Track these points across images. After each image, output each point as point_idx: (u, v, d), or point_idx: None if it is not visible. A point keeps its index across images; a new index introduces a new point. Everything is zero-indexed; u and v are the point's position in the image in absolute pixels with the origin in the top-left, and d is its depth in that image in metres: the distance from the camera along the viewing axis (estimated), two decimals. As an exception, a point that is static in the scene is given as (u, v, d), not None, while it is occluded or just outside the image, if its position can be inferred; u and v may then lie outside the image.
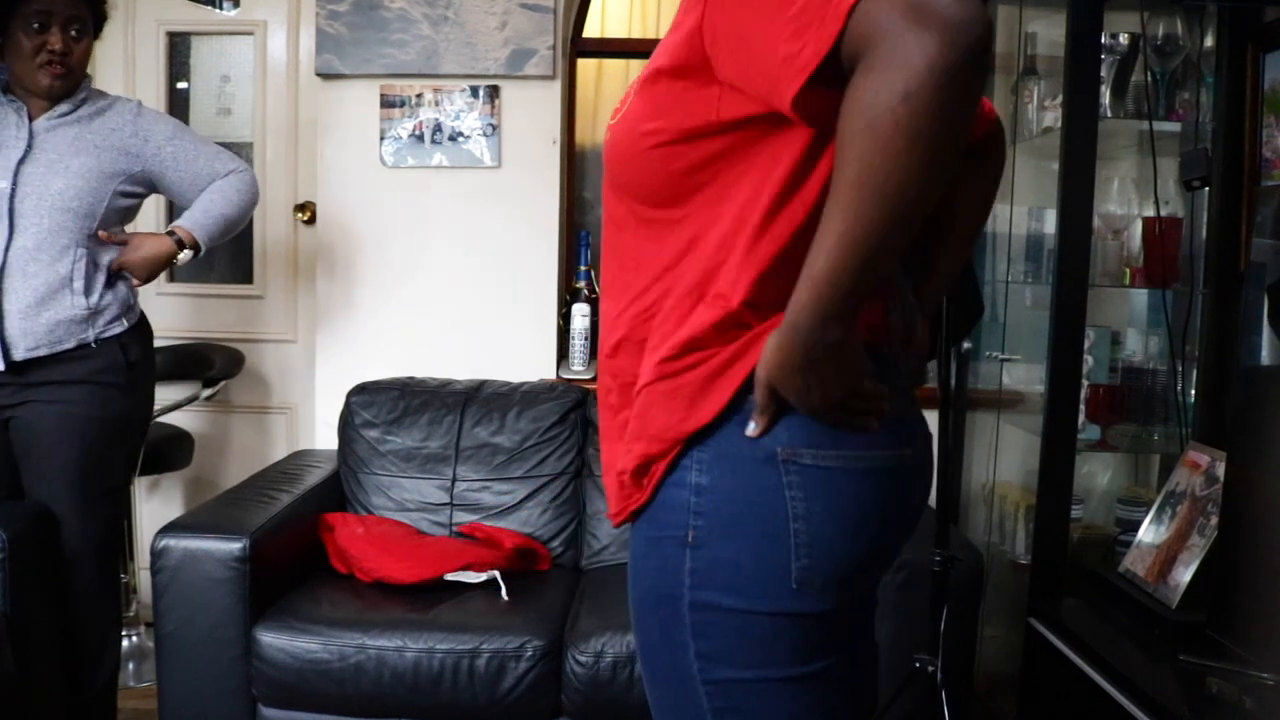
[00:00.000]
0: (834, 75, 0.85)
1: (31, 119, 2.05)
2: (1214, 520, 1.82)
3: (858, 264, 0.86)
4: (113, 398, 2.09)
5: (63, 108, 2.06)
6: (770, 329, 0.95)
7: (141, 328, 2.19)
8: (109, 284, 2.10)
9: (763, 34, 0.89)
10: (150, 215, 3.04)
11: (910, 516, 1.07)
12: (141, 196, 2.19)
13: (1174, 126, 2.18)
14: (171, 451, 2.80)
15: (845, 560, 0.99)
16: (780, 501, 0.96)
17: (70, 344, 2.03)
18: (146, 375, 2.20)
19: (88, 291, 2.04)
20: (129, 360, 2.11)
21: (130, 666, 2.75)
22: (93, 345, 2.06)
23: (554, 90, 2.78)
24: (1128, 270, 2.22)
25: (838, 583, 0.99)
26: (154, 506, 3.05)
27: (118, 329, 2.10)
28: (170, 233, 2.17)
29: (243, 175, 2.23)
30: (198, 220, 2.17)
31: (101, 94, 2.15)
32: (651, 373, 1.02)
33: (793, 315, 0.91)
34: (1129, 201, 2.25)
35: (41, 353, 2.01)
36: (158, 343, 2.85)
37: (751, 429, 0.96)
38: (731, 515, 0.98)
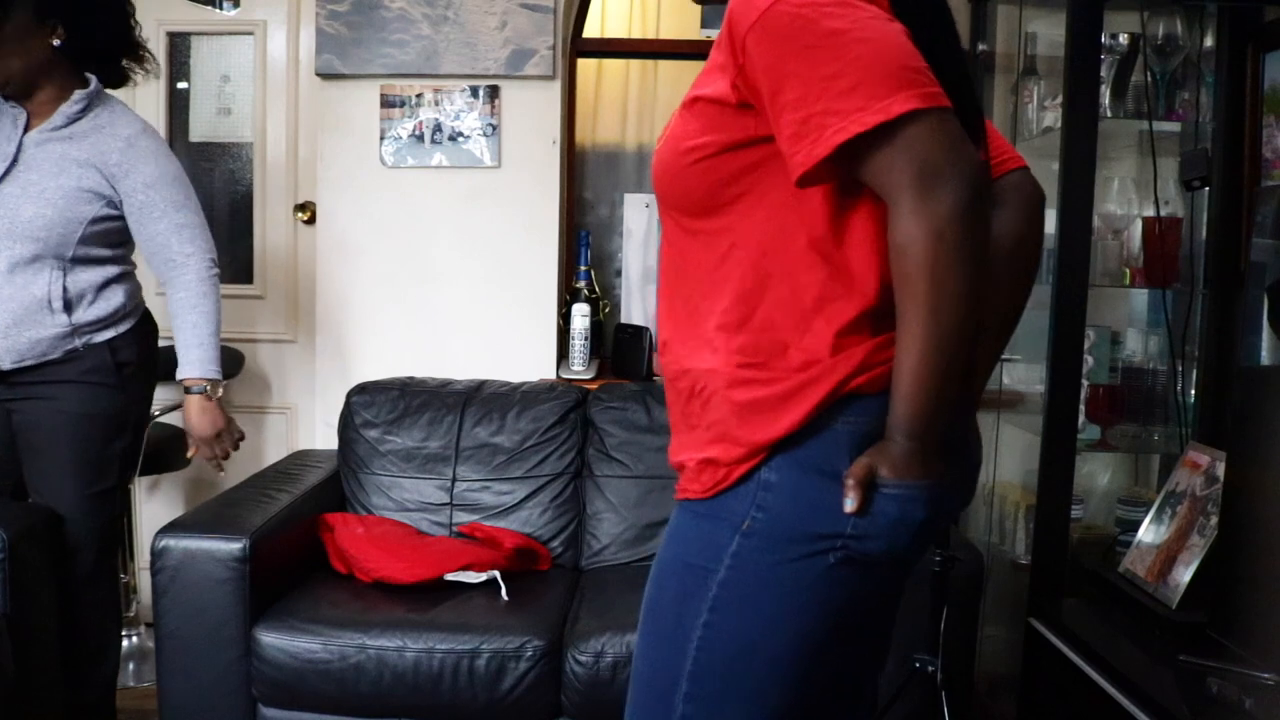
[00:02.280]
0: (834, 171, 1.00)
1: (27, 129, 2.02)
2: (1214, 520, 1.82)
3: (939, 374, 0.99)
4: (101, 395, 2.09)
5: (58, 120, 2.02)
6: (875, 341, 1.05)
7: (139, 330, 2.18)
8: (100, 294, 2.07)
9: (779, 115, 1.01)
10: (150, 215, 3.04)
11: (942, 527, 1.18)
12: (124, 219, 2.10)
13: (1174, 126, 2.18)
14: (171, 451, 2.79)
15: (880, 560, 1.07)
16: (839, 510, 1.03)
17: (57, 354, 2.04)
18: (141, 375, 2.18)
19: (69, 309, 2.02)
20: (118, 361, 2.10)
21: (130, 666, 2.75)
22: (80, 350, 2.05)
23: (554, 90, 2.78)
24: (1128, 270, 2.22)
25: (861, 586, 1.09)
26: (154, 506, 3.05)
27: (107, 335, 2.09)
28: (188, 389, 2.15)
29: (199, 272, 2.12)
30: (200, 359, 2.14)
31: (110, 104, 2.08)
32: (724, 378, 1.09)
33: (902, 426, 1.02)
34: (1129, 201, 2.25)
35: (28, 363, 2.02)
36: (159, 342, 2.86)
37: (850, 505, 1.03)
38: (793, 515, 1.05)
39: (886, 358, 1.04)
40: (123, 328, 2.13)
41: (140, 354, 2.17)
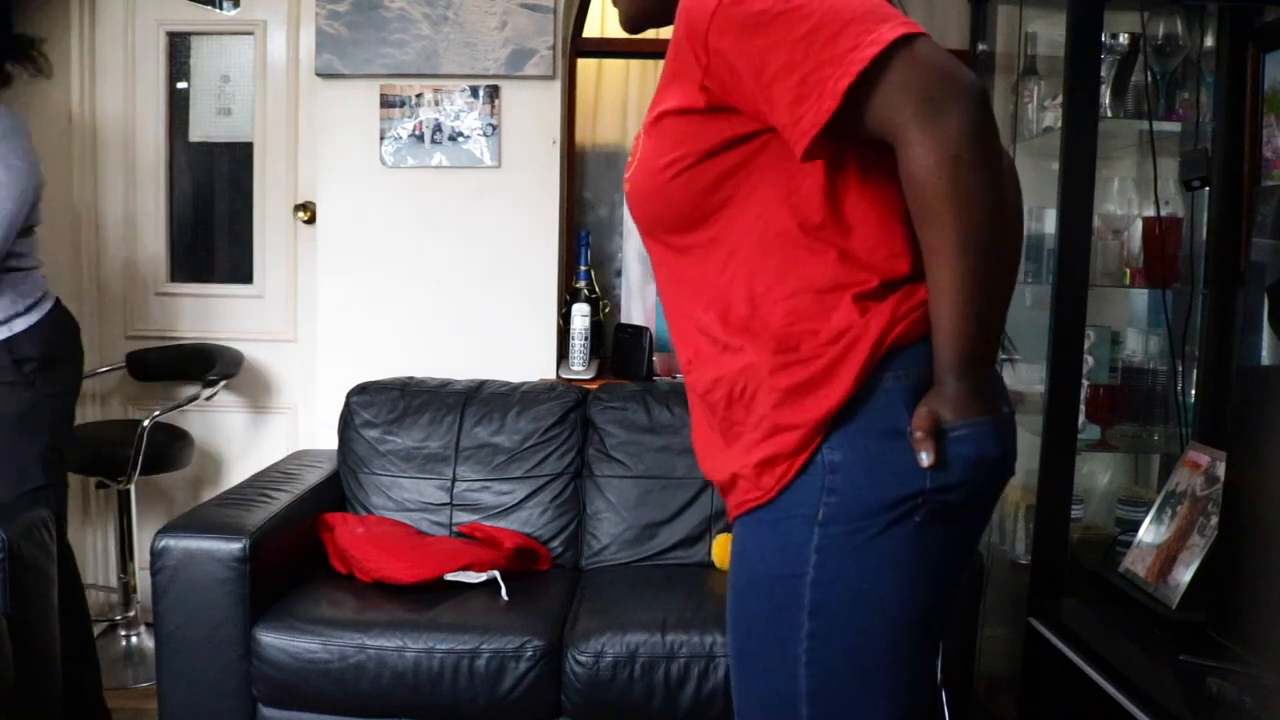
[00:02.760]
0: (840, 128, 0.96)
1: None
2: (1214, 520, 1.82)
3: (979, 305, 0.96)
4: (2, 394, 2.08)
5: None
6: (896, 295, 1.02)
7: (44, 325, 2.14)
8: None
9: (769, 89, 0.97)
10: (150, 218, 3.04)
11: (1003, 483, 1.10)
12: None
13: (1174, 126, 2.18)
14: (171, 451, 2.80)
15: (956, 535, 1.05)
16: (914, 470, 0.99)
17: None
18: (47, 372, 2.15)
19: None
20: (16, 358, 2.08)
21: (130, 666, 2.75)
22: None
23: (554, 90, 2.78)
24: (1128, 270, 2.22)
25: (952, 537, 1.05)
26: (154, 506, 3.05)
27: (2, 335, 2.07)
28: None
29: None
30: None
31: None
32: (765, 367, 1.04)
33: (952, 367, 0.98)
34: (1129, 201, 2.25)
35: None
36: (158, 342, 2.87)
37: (927, 460, 0.99)
38: (867, 487, 1.01)
39: (917, 302, 1.02)
40: (19, 326, 2.10)
41: (45, 350, 2.14)
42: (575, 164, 3.05)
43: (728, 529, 2.46)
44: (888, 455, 1.00)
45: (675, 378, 2.88)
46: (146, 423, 2.67)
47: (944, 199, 0.93)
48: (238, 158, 3.06)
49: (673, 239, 1.11)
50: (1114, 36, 2.13)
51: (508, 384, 2.70)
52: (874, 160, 1.02)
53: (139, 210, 3.04)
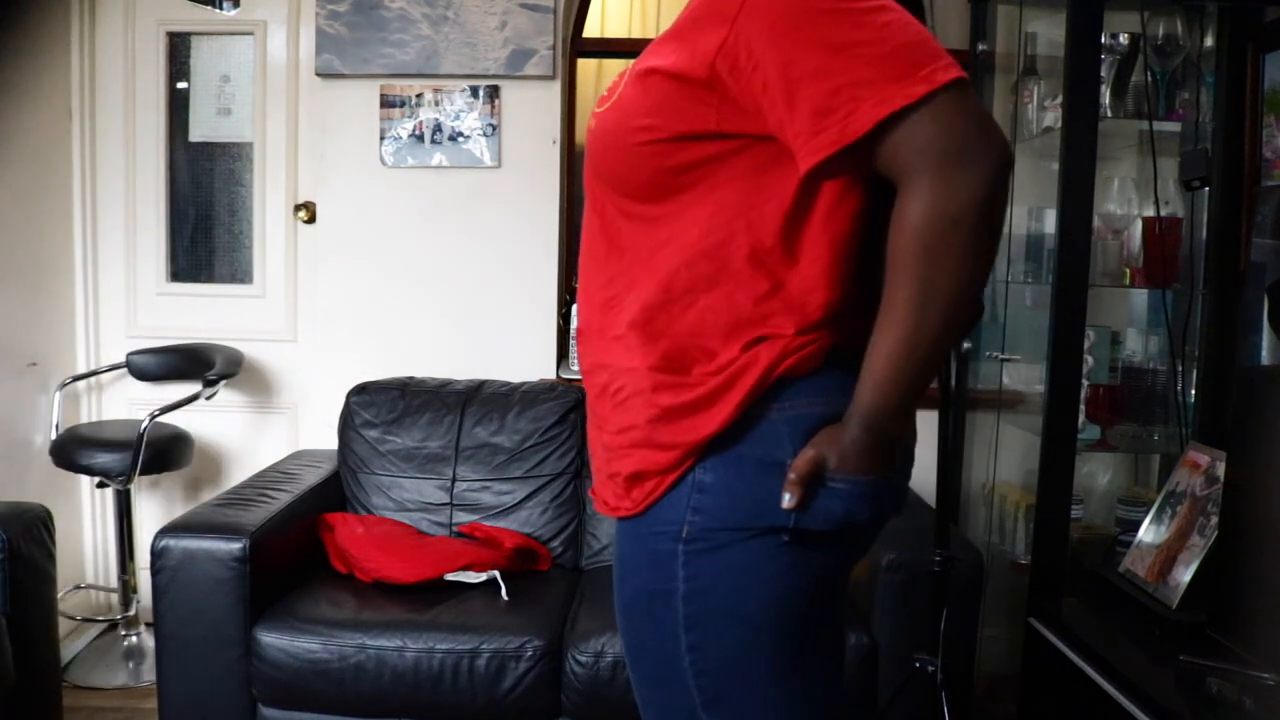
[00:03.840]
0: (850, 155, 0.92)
1: None
2: (1214, 520, 1.82)
3: (918, 366, 0.94)
4: None
5: None
6: (796, 340, 0.99)
7: None
8: None
9: (794, 88, 0.91)
10: (150, 218, 3.04)
11: (878, 529, 1.11)
12: None
13: (1174, 126, 2.18)
14: (171, 451, 2.80)
15: (824, 562, 1.04)
16: (782, 513, 0.98)
17: None
18: None
19: None
20: None
21: (130, 666, 2.75)
22: None
23: (554, 90, 2.79)
24: (1128, 270, 2.22)
25: (817, 578, 1.04)
26: (154, 506, 3.05)
27: None
28: None
29: None
30: None
31: None
32: (647, 379, 1.02)
33: (865, 415, 0.96)
34: (1129, 201, 2.25)
35: None
36: (158, 342, 2.87)
37: (788, 501, 0.97)
38: (730, 514, 1.00)
39: (812, 339, 0.99)
40: None
41: None
42: (575, 164, 3.05)
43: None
44: (757, 485, 0.99)
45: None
46: (146, 423, 2.67)
47: (928, 256, 0.90)
48: (238, 158, 3.06)
49: (620, 200, 1.06)
50: (1114, 36, 2.12)
51: (508, 384, 2.70)
52: (848, 197, 0.97)
53: (139, 210, 3.04)
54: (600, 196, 1.09)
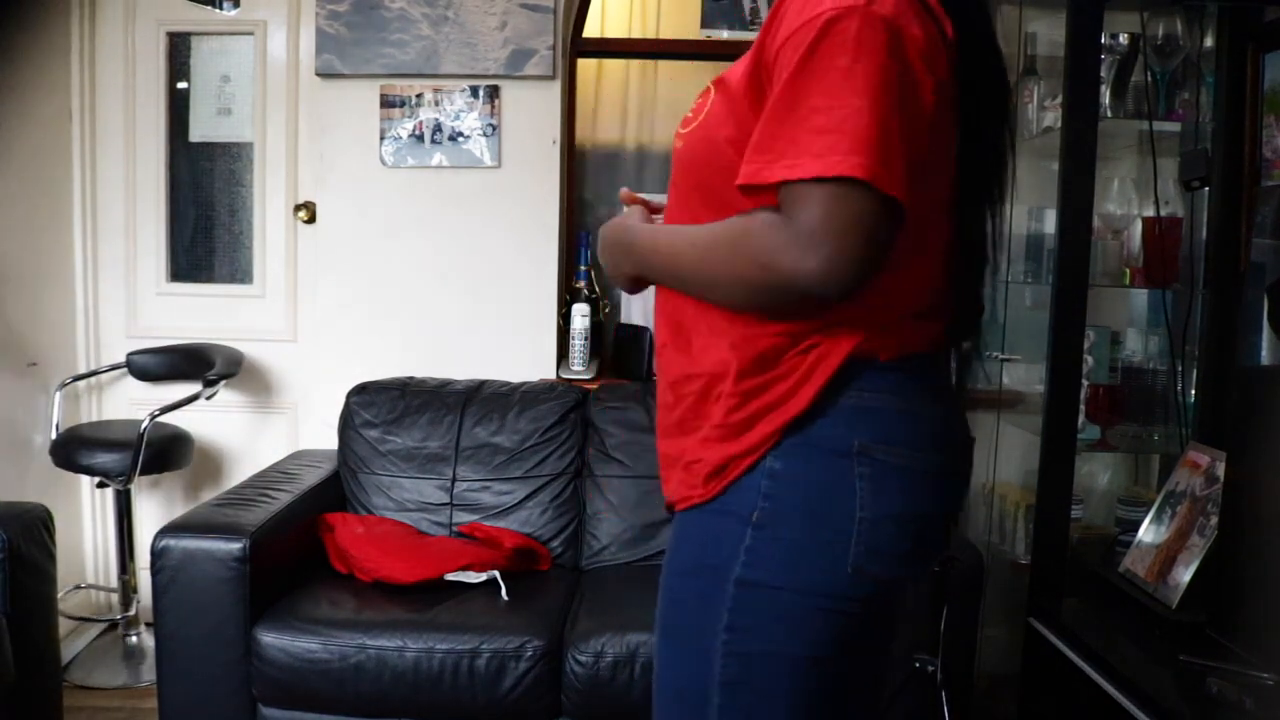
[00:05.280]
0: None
1: None
2: (1214, 520, 1.82)
3: (669, 272, 1.09)
4: None
5: None
6: (844, 330, 1.02)
7: None
8: None
9: (771, 101, 0.98)
10: (150, 218, 3.04)
11: (947, 523, 1.13)
12: None
13: (1174, 126, 2.18)
14: (171, 451, 2.80)
15: (899, 554, 1.05)
16: (850, 490, 1.02)
17: None
18: None
19: None
20: None
21: (130, 666, 2.75)
22: None
23: (554, 90, 2.78)
24: (1128, 270, 2.22)
25: (887, 576, 1.05)
26: (154, 506, 3.05)
27: None
28: None
29: None
30: None
31: None
32: (735, 367, 1.05)
33: (635, 241, 1.13)
34: (1129, 201, 2.25)
35: None
36: (158, 342, 2.87)
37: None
38: (802, 498, 1.03)
39: (888, 334, 1.03)
40: None
41: None
42: (575, 164, 3.05)
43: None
44: (825, 473, 1.02)
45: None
46: (146, 423, 2.67)
47: (733, 254, 0.97)
48: (238, 158, 3.06)
49: (703, 212, 1.08)
50: (1114, 36, 2.12)
51: (508, 384, 2.70)
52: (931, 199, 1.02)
53: (139, 210, 3.04)
54: (683, 214, 1.13)
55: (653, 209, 1.22)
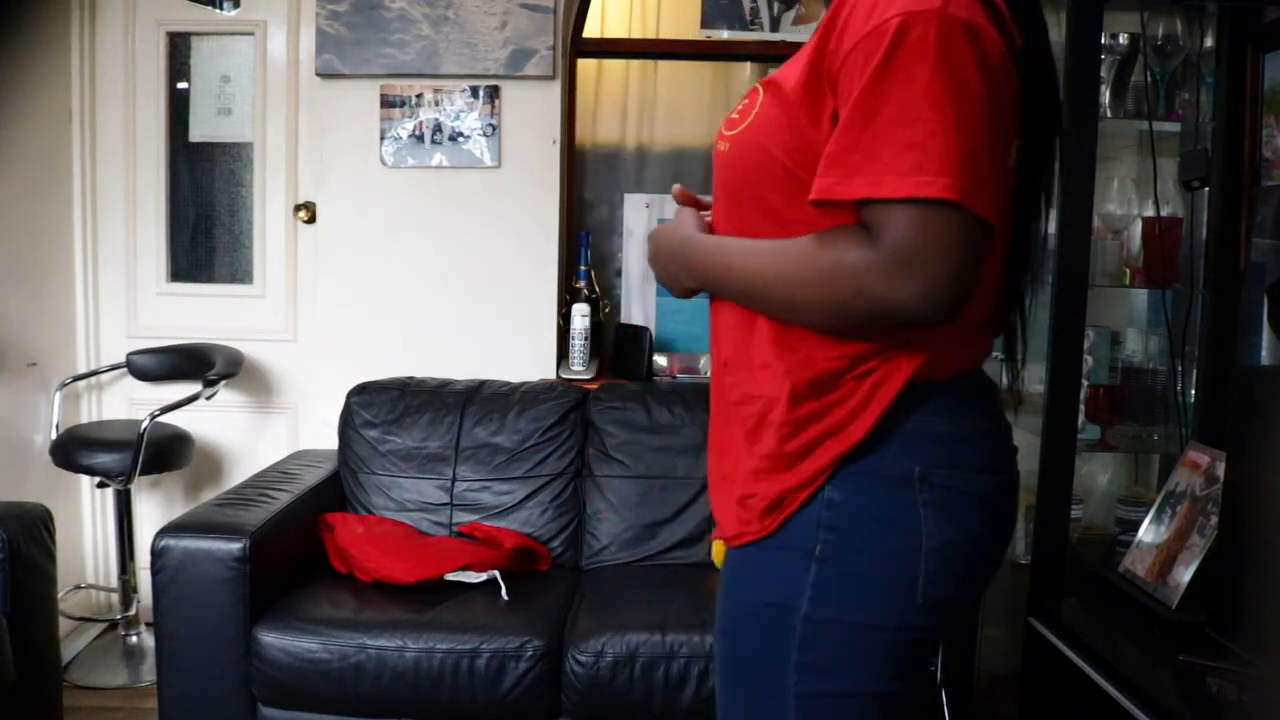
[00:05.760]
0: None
1: None
2: (1214, 520, 1.82)
3: (739, 290, 1.04)
4: None
5: None
6: (906, 352, 0.99)
7: None
8: None
9: (844, 110, 0.93)
10: (150, 218, 3.04)
11: (1005, 541, 1.10)
12: None
13: (1174, 126, 2.18)
14: (171, 451, 2.80)
15: (966, 578, 1.03)
16: (914, 519, 0.99)
17: None
18: None
19: None
20: None
21: (130, 666, 2.75)
22: None
23: (554, 90, 2.78)
24: (1128, 270, 2.22)
25: (954, 602, 1.03)
26: (154, 506, 3.05)
27: None
28: None
29: None
30: None
31: None
32: (788, 392, 1.01)
33: (693, 243, 1.08)
34: (1129, 201, 2.25)
35: None
36: (158, 342, 2.87)
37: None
38: (865, 530, 1.00)
39: (946, 353, 1.00)
40: None
41: None
42: (575, 164, 3.05)
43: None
44: (887, 501, 0.99)
45: (675, 378, 2.88)
46: (146, 423, 2.67)
47: (821, 279, 0.92)
48: (238, 158, 3.07)
49: (763, 226, 1.03)
50: (1114, 36, 2.12)
51: (508, 384, 2.70)
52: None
53: (139, 210, 3.04)
54: (731, 226, 1.08)
55: (703, 206, 1.17)
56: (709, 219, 1.13)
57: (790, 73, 1.02)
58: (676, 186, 1.22)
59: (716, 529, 1.12)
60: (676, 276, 1.13)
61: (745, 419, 1.06)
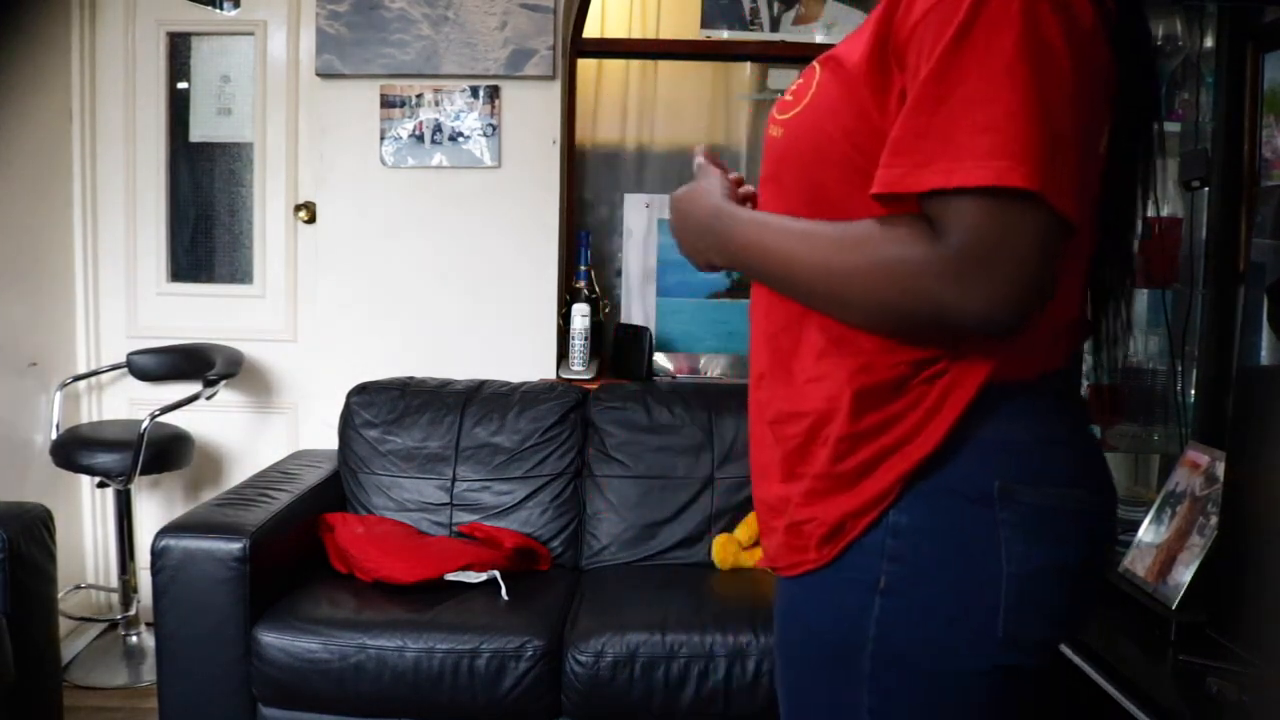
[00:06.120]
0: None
1: None
2: (1214, 520, 1.82)
3: (778, 276, 0.91)
4: None
5: None
6: (976, 361, 0.87)
7: None
8: None
9: (906, 117, 0.82)
10: (150, 218, 3.04)
11: (1103, 568, 0.98)
12: None
13: (1174, 126, 2.18)
14: (171, 451, 2.80)
15: (1057, 611, 0.91)
16: (993, 543, 0.87)
17: None
18: None
19: None
20: None
21: (130, 666, 2.75)
22: None
23: (554, 90, 2.79)
24: (1128, 270, 2.21)
25: (1044, 638, 0.91)
26: (154, 506, 3.05)
27: None
28: None
29: None
30: None
31: None
32: (848, 403, 0.90)
33: (726, 213, 0.96)
34: (1129, 201, 2.25)
35: None
36: (158, 342, 2.87)
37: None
38: (935, 558, 0.88)
39: (1029, 349, 0.87)
40: None
41: None
42: (575, 164, 3.05)
43: (728, 529, 2.47)
44: (963, 524, 0.87)
45: (675, 378, 2.88)
46: (146, 423, 2.67)
47: (879, 272, 0.82)
48: (238, 158, 3.07)
49: (807, 215, 0.91)
50: (1114, 36, 2.12)
51: (508, 384, 2.70)
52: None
53: (139, 210, 3.04)
54: (780, 208, 0.96)
55: (737, 182, 1.04)
56: (739, 185, 1.02)
57: (852, 47, 0.90)
58: (701, 148, 1.09)
59: (764, 552, 1.01)
60: (704, 252, 1.00)
61: (785, 439, 0.95)
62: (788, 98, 0.96)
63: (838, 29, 2.92)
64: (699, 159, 1.08)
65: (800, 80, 0.96)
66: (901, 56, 0.83)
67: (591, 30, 3.02)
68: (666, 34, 3.08)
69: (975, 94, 0.77)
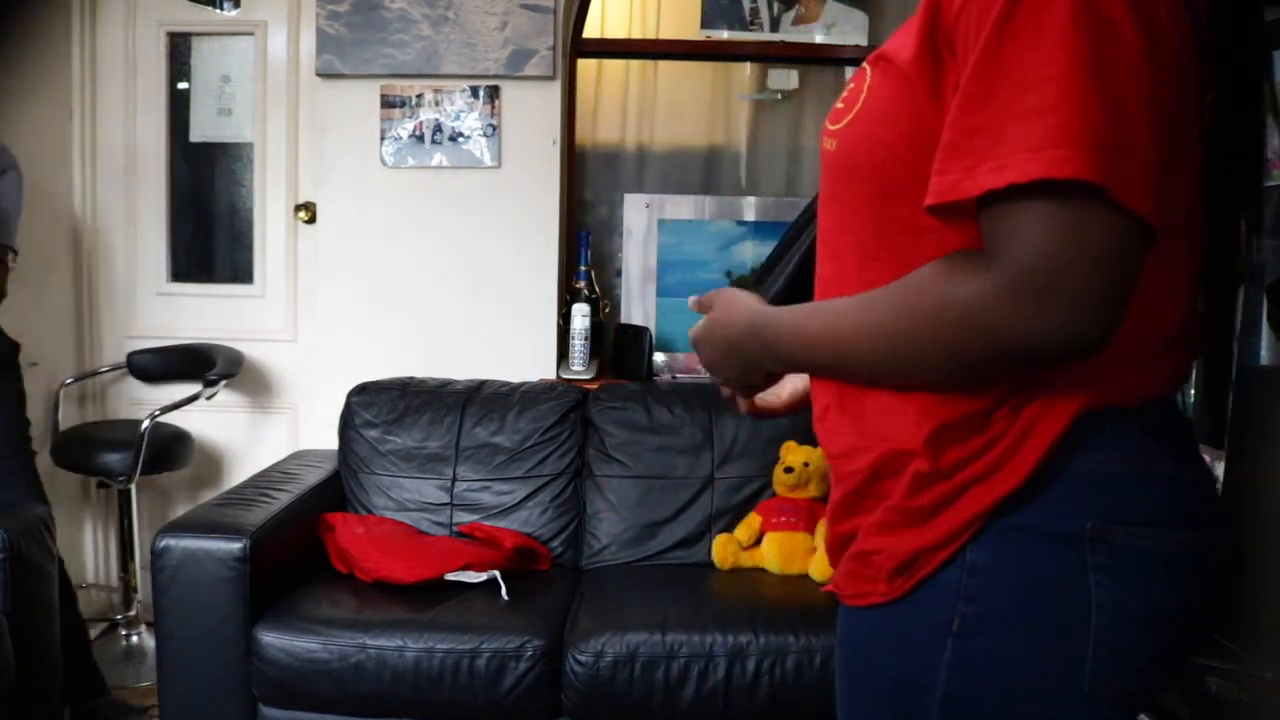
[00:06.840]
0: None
1: None
2: (1214, 520, 1.82)
3: (830, 364, 0.86)
4: None
5: None
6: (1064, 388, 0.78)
7: None
8: None
9: (956, 113, 0.73)
10: (150, 218, 3.04)
11: (1209, 618, 0.87)
12: None
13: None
14: (172, 451, 2.80)
15: (1154, 664, 0.83)
16: (1082, 588, 0.79)
17: None
18: None
19: None
20: None
21: (130, 666, 2.75)
22: None
23: (554, 90, 2.78)
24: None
25: (1136, 692, 0.83)
26: (154, 507, 3.05)
27: None
28: None
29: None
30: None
31: None
32: (924, 433, 0.81)
33: (773, 337, 0.88)
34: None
35: None
36: (158, 342, 2.88)
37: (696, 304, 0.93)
38: (1015, 602, 0.80)
39: (1128, 373, 0.78)
40: None
41: None
42: (575, 164, 3.05)
43: (728, 529, 2.47)
44: (1049, 566, 0.79)
45: (675, 378, 2.88)
46: (146, 423, 2.67)
47: (929, 326, 0.74)
48: (238, 158, 3.07)
49: (888, 237, 0.83)
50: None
51: (508, 384, 2.70)
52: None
53: (139, 210, 3.04)
54: (847, 237, 0.87)
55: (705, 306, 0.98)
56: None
57: (902, 43, 0.81)
58: (693, 299, 1.02)
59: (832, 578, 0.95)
60: (758, 366, 0.93)
61: (850, 475, 0.88)
62: (839, 106, 0.88)
63: (838, 29, 2.92)
64: (693, 300, 1.03)
65: (851, 85, 0.87)
66: (951, 43, 0.74)
67: (591, 30, 3.02)
68: (666, 34, 3.08)
69: (1027, 78, 0.67)
